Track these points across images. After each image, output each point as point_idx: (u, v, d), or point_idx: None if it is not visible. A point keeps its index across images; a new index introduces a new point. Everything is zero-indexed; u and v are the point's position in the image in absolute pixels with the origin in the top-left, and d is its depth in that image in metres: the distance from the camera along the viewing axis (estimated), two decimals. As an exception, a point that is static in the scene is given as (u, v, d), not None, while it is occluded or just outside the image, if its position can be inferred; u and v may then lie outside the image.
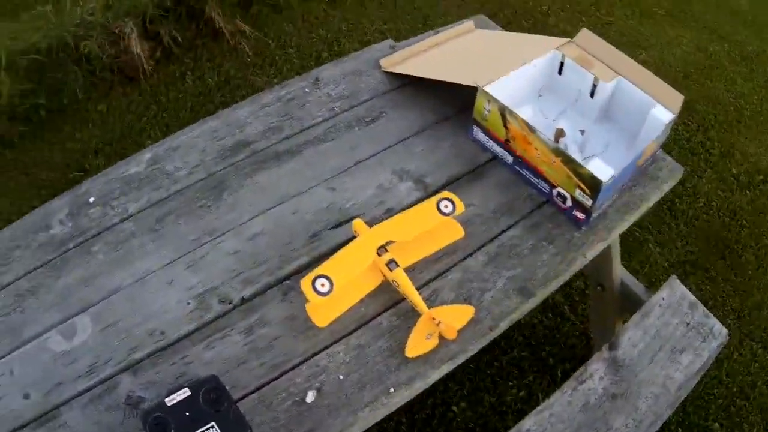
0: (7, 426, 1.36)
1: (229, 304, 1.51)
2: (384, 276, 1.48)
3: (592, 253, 1.65)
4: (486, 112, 1.68)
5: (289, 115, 1.90)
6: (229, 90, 3.63)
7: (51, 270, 1.61)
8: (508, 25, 4.11)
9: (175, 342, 1.47)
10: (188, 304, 1.51)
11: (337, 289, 1.38)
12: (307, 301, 1.41)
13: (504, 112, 1.63)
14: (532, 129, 1.58)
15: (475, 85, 1.69)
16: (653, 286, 2.64)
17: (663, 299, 1.97)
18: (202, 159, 1.79)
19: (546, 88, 1.90)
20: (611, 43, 1.83)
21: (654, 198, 1.79)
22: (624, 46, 3.81)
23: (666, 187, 1.83)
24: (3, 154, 3.43)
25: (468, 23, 2.15)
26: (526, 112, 1.73)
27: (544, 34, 3.90)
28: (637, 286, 2.25)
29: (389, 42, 2.20)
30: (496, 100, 1.63)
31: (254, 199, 1.70)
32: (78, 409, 1.37)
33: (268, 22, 3.99)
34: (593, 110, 1.83)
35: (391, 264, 1.46)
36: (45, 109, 3.49)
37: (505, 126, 1.65)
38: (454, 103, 1.92)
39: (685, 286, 1.99)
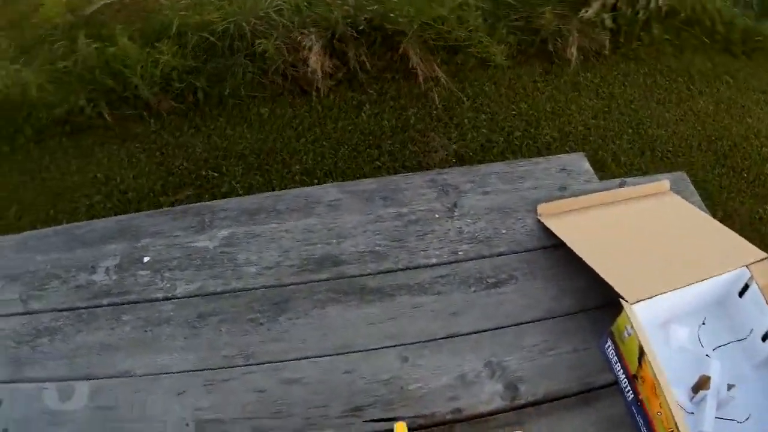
0: (-25, 451, 1.37)
1: (227, 447, 1.40)
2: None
3: None
4: (626, 335, 1.46)
5: (403, 242, 1.74)
6: (401, 140, 3.54)
7: (76, 320, 1.59)
8: (724, 160, 3.80)
9: (156, 459, 1.38)
10: (187, 426, 1.42)
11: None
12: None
13: (643, 350, 1.43)
14: (666, 388, 1.37)
15: (622, 297, 1.47)
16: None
17: None
18: (279, 261, 1.68)
19: (717, 306, 1.68)
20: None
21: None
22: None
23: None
24: (147, 123, 3.49)
25: (663, 182, 1.92)
26: (681, 334, 1.55)
27: (757, 183, 3.65)
28: None
29: (580, 157, 2.01)
30: (640, 330, 1.44)
31: (311, 337, 1.56)
32: (42, 471, 1.35)
33: (470, 77, 3.85)
34: (758, 355, 1.57)
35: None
36: (204, 93, 3.52)
37: (639, 362, 1.43)
38: (604, 293, 1.53)
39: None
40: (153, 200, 3.25)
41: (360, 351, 1.55)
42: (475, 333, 1.59)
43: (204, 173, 3.34)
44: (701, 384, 1.51)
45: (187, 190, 3.29)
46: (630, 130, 3.80)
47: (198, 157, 3.40)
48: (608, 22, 3.95)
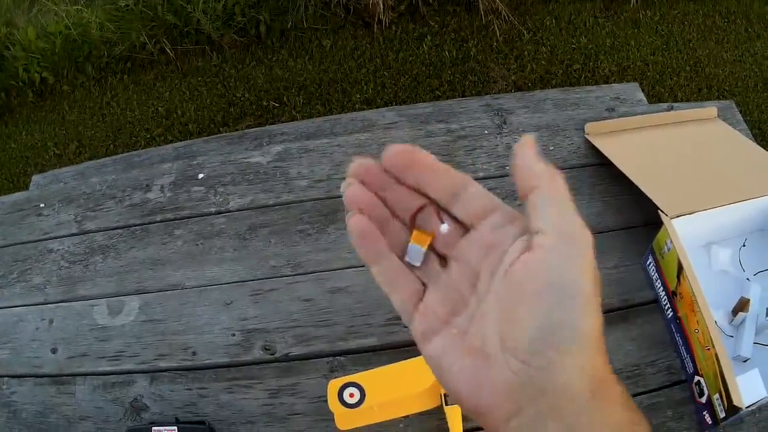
0: (25, 369, 1.50)
1: (271, 354, 1.46)
2: (441, 403, 1.34)
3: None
4: (665, 250, 1.46)
5: (451, 156, 1.76)
6: (461, 71, 3.56)
7: (129, 237, 1.67)
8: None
9: (202, 368, 1.46)
10: (233, 335, 1.49)
11: (369, 404, 1.26)
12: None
13: (681, 264, 1.42)
14: (702, 304, 1.38)
15: (663, 212, 1.47)
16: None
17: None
18: (330, 174, 1.73)
19: (759, 232, 1.65)
20: None
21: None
22: None
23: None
24: (209, 57, 3.56)
25: (710, 109, 1.89)
26: (722, 255, 1.54)
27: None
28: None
29: (635, 86, 1.98)
30: (678, 244, 1.43)
31: None
32: (89, 387, 1.46)
33: (531, 11, 3.83)
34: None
35: (452, 397, 1.31)
36: (266, 27, 3.58)
37: (678, 278, 1.42)
38: (648, 212, 1.51)
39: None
40: (214, 131, 3.34)
41: (403, 262, 1.58)
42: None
43: (265, 103, 3.41)
44: (741, 306, 1.50)
45: (248, 120, 3.37)
46: (687, 68, 3.75)
47: (259, 88, 3.48)
48: (670, -41, 3.90)
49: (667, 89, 3.53)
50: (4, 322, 1.60)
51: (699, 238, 1.51)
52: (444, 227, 0.55)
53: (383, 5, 3.52)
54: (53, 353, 1.52)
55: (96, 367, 1.48)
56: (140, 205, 1.71)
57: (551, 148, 1.78)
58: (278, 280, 1.56)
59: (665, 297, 1.49)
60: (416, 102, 3.35)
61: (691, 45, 3.82)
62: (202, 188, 1.72)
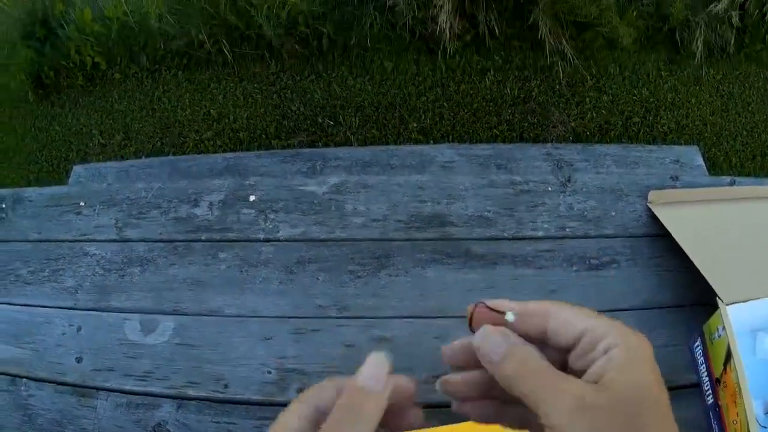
0: (47, 374, 1.47)
1: (306, 398, 1.41)
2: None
3: None
4: (716, 336, 1.42)
5: (512, 211, 1.70)
6: (521, 111, 3.52)
7: (171, 252, 1.62)
8: None
9: (233, 402, 1.41)
10: (269, 373, 1.44)
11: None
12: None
13: (731, 352, 1.39)
14: (747, 398, 1.33)
15: (718, 296, 1.44)
16: None
17: None
18: (386, 215, 1.67)
19: None
20: None
21: None
22: None
23: None
24: (267, 64, 3.53)
25: None
26: (766, 343, 1.50)
27: None
28: None
29: (695, 150, 1.94)
30: (730, 333, 1.40)
31: (408, 296, 1.52)
32: (112, 404, 1.42)
33: (596, 56, 3.78)
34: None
35: (488, 471, 1.28)
36: (329, 40, 3.54)
37: (724, 366, 1.39)
38: (701, 289, 1.45)
39: None
40: (265, 142, 3.31)
41: (454, 317, 1.52)
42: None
43: (320, 120, 3.38)
44: (773, 400, 1.46)
45: (301, 136, 3.33)
46: (744, 132, 3.70)
47: (315, 103, 3.44)
48: (735, 20, 3.83)
49: (722, 153, 3.50)
50: (29, 320, 1.56)
51: (747, 324, 1.46)
52: (510, 315, 0.57)
53: (449, 33, 3.48)
54: (78, 362, 1.48)
55: (122, 385, 1.44)
56: (186, 219, 1.67)
57: (613, 213, 1.72)
58: (323, 321, 1.50)
59: (708, 383, 1.45)
60: (473, 138, 3.31)
61: (750, 108, 3.78)
62: (253, 211, 1.67)
